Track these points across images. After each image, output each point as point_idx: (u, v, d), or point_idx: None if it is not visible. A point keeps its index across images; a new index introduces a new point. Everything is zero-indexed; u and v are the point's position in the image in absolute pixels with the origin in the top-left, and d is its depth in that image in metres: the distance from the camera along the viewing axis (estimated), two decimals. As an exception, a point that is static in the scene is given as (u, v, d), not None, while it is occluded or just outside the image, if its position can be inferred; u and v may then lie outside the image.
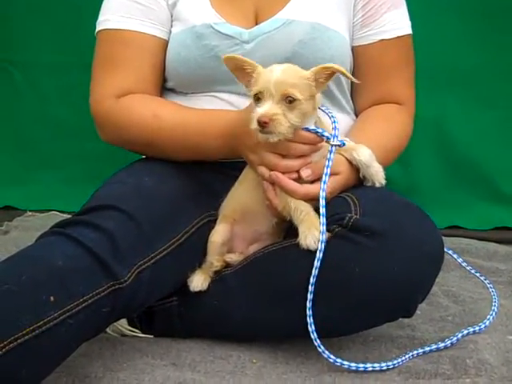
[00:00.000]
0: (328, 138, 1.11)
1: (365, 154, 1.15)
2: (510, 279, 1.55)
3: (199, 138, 1.22)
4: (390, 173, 1.85)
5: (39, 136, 2.08)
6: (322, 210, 1.08)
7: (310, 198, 1.11)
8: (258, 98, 1.07)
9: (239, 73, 1.11)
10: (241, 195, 1.19)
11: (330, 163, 1.10)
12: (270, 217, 1.16)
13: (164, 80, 1.35)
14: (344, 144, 1.12)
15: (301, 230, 1.08)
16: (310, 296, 1.07)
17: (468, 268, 1.40)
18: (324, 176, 1.09)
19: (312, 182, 1.12)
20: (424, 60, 1.74)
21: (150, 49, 1.30)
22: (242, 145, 1.16)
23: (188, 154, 1.25)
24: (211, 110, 1.25)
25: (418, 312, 1.33)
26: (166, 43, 1.31)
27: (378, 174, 1.16)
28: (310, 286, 1.06)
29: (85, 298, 1.02)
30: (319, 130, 1.10)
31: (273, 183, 1.12)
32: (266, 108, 1.04)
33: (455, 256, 1.41)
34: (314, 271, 1.06)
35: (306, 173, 1.11)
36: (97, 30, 1.32)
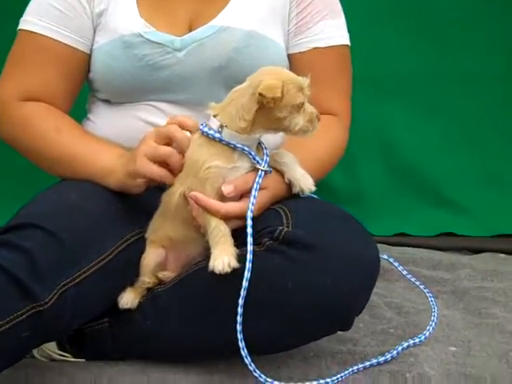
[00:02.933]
0: (258, 162, 1.09)
1: (287, 157, 1.13)
2: (453, 289, 1.54)
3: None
4: (335, 180, 1.90)
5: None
6: (250, 230, 1.05)
7: (233, 216, 1.08)
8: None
9: None
10: (165, 225, 1.15)
11: (258, 187, 1.08)
12: (201, 239, 1.11)
13: (95, 90, 1.32)
14: (271, 172, 1.11)
15: (213, 251, 1.06)
16: (239, 319, 1.04)
17: (408, 276, 1.40)
18: (251, 197, 1.07)
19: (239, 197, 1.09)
20: (367, 68, 1.78)
21: (61, 57, 1.27)
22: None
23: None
24: (101, 145, 1.23)
25: (360, 325, 1.32)
26: (81, 53, 1.28)
27: (305, 180, 1.13)
28: (239, 308, 1.04)
29: (1, 322, 0.97)
30: (252, 153, 1.09)
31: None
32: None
33: (396, 264, 1.41)
34: (243, 292, 1.03)
35: (227, 189, 1.07)
36: (18, 27, 1.30)
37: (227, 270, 1.04)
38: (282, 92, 1.04)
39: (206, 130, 1.09)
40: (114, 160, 1.18)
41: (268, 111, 1.06)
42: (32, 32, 1.26)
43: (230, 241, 1.07)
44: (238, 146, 1.08)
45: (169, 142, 1.12)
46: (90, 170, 1.20)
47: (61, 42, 1.26)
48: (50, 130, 1.23)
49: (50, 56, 1.26)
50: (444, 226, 1.92)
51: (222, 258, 1.04)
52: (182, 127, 1.11)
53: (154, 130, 1.15)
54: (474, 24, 1.92)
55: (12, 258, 1.01)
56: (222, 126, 1.08)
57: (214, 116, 1.09)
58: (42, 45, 1.26)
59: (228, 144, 1.08)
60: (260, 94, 1.03)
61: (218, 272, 1.04)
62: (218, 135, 1.08)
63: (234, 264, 1.04)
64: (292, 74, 1.10)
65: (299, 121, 1.08)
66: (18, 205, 1.18)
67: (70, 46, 1.27)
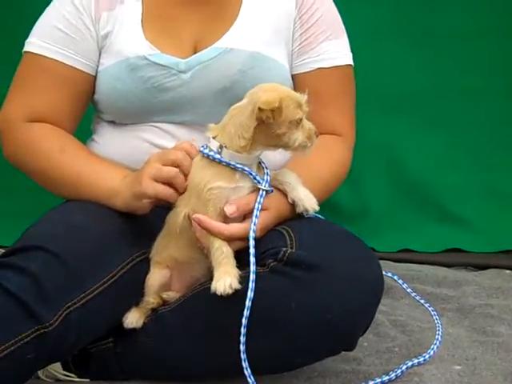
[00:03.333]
0: (259, 182, 1.10)
1: (290, 176, 1.13)
2: (459, 306, 1.53)
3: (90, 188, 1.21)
4: (340, 197, 1.90)
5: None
6: (252, 250, 1.06)
7: (237, 238, 1.08)
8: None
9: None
10: (169, 246, 1.15)
11: (260, 206, 1.08)
12: (205, 260, 1.12)
13: (100, 111, 1.33)
14: (272, 191, 1.11)
15: (216, 273, 1.07)
16: (242, 339, 1.04)
17: (413, 294, 1.39)
18: (253, 218, 1.08)
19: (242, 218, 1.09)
20: (370, 86, 1.78)
21: (66, 79, 1.28)
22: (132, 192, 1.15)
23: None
24: (106, 166, 1.23)
25: (364, 344, 1.32)
26: (86, 75, 1.29)
27: (309, 199, 1.13)
28: (242, 328, 1.03)
29: (6, 344, 0.97)
30: (253, 173, 1.09)
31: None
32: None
33: (400, 281, 1.40)
34: (246, 312, 1.03)
35: (230, 210, 1.08)
36: (23, 49, 1.31)
37: (229, 291, 1.04)
38: (281, 104, 1.04)
39: (206, 151, 1.10)
40: (118, 181, 1.19)
41: (267, 128, 1.06)
42: (37, 54, 1.28)
43: (232, 262, 1.07)
44: (238, 166, 1.08)
45: (174, 165, 1.12)
46: (95, 190, 1.20)
47: (66, 64, 1.27)
48: (54, 150, 1.24)
49: (54, 78, 1.27)
50: (449, 241, 1.91)
51: (224, 280, 1.04)
52: (188, 155, 1.12)
53: (160, 153, 1.16)
54: (477, 40, 1.93)
55: (17, 280, 1.01)
56: (221, 147, 1.09)
57: (214, 137, 1.10)
58: (47, 67, 1.27)
59: (228, 164, 1.08)
60: (259, 109, 1.04)
61: (219, 294, 1.04)
62: (217, 156, 1.08)
63: (236, 285, 1.04)
64: (290, 91, 1.10)
65: (298, 137, 1.08)
66: (24, 225, 1.19)
67: (74, 67, 1.28)
